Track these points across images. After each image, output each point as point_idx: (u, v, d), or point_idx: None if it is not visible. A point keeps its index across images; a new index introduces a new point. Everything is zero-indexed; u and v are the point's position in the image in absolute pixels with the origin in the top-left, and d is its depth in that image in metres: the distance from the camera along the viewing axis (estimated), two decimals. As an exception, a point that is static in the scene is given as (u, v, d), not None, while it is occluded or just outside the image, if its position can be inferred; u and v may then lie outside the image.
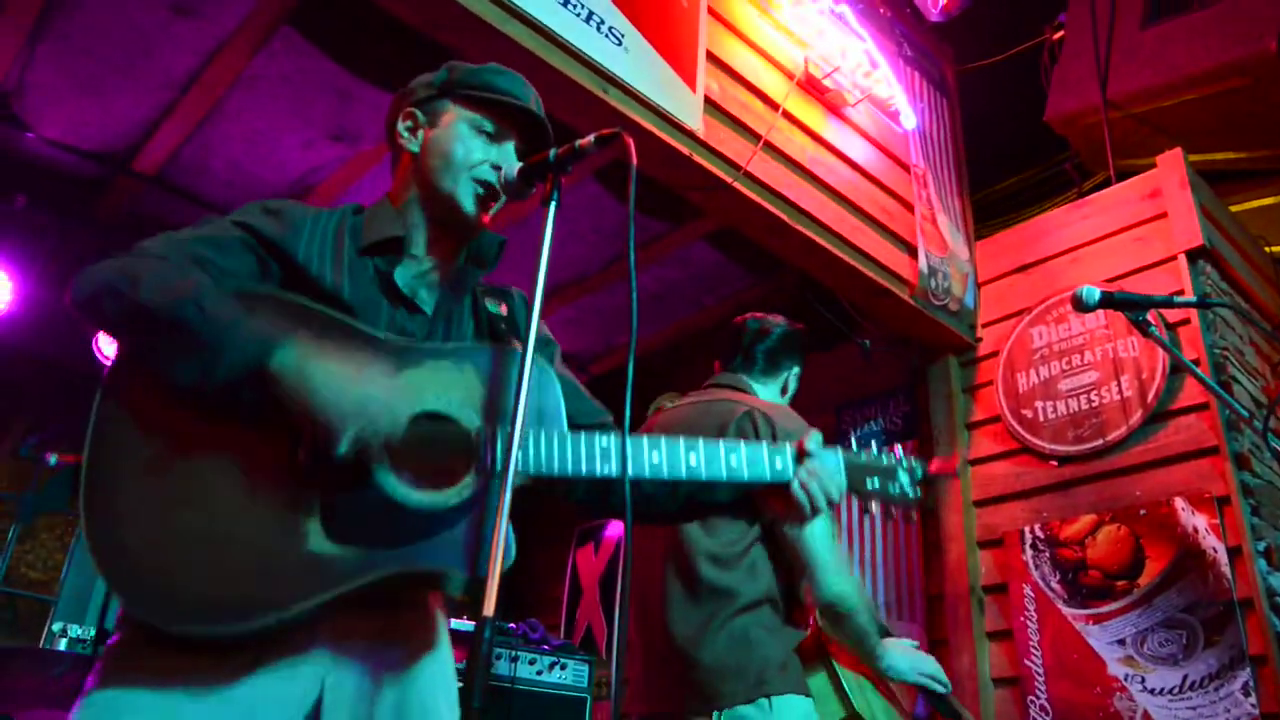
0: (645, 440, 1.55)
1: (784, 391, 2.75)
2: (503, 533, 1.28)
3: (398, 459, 1.38)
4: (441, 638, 1.54)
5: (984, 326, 4.39)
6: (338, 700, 1.36)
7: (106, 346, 4.70)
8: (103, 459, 1.31)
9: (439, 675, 1.50)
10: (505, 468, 1.32)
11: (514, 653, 4.28)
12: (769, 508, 1.67)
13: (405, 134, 1.70)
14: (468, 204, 1.63)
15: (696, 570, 2.28)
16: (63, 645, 3.73)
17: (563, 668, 4.45)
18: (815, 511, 1.62)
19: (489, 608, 1.27)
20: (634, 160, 1.50)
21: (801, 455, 1.62)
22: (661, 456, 1.54)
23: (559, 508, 1.76)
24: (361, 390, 1.32)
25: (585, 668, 4.53)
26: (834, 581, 2.23)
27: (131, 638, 1.32)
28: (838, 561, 2.26)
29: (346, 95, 3.82)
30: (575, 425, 1.58)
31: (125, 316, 1.34)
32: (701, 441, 1.58)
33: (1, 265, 4.35)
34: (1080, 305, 2.27)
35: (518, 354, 1.52)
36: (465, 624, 4.02)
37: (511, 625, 4.51)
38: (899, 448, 1.78)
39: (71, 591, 5.21)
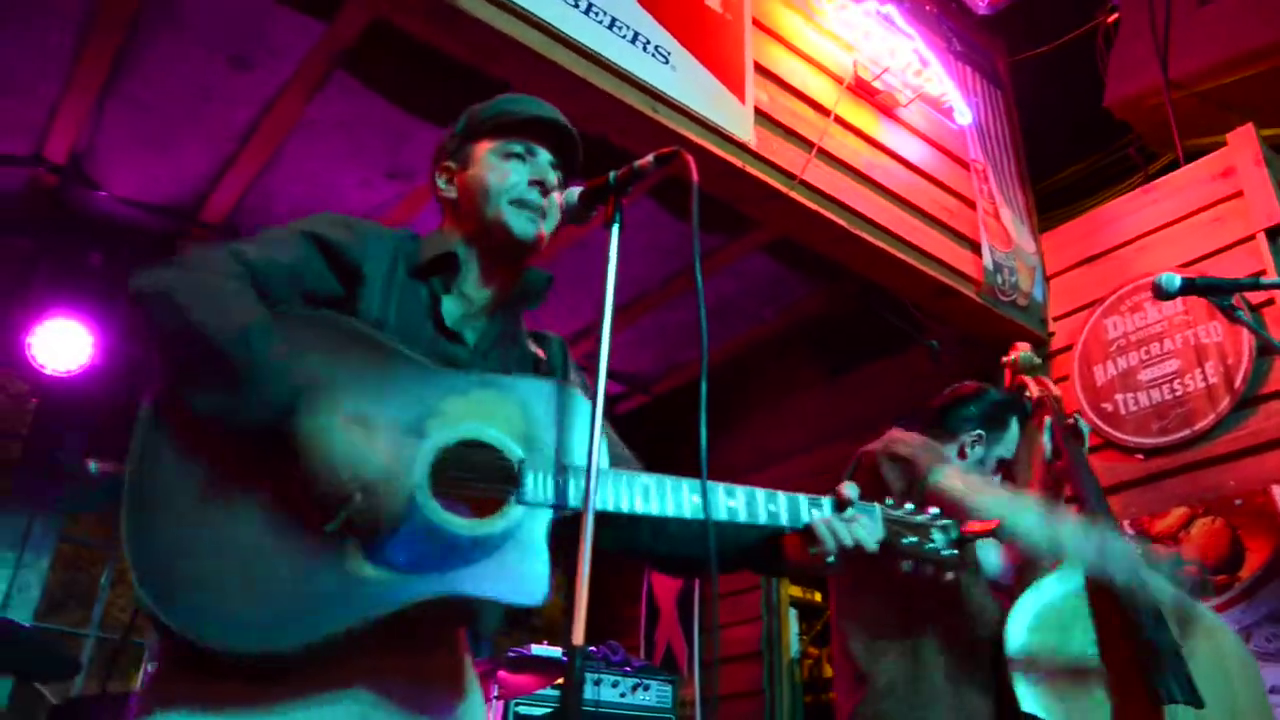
0: (685, 482, 1.55)
1: (961, 454, 2.68)
2: (586, 564, 1.28)
3: (439, 485, 1.37)
4: (472, 681, 1.55)
5: (1055, 320, 4.28)
6: None
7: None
8: (145, 471, 1.30)
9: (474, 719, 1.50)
10: (586, 503, 1.31)
11: (596, 676, 4.27)
12: (795, 561, 1.66)
13: (443, 185, 1.74)
14: (515, 223, 1.63)
15: None
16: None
17: (645, 689, 4.42)
18: (845, 557, 1.60)
19: (578, 636, 1.27)
20: (695, 177, 1.49)
21: (842, 505, 1.63)
22: (701, 500, 1.53)
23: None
24: (366, 474, 1.29)
25: (668, 688, 4.50)
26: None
27: (171, 666, 1.32)
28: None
29: (400, 134, 3.89)
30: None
31: (172, 329, 1.33)
32: (740, 488, 1.59)
33: (82, 320, 4.49)
34: (1161, 293, 2.20)
35: (567, 389, 1.53)
36: (546, 650, 4.02)
37: (592, 649, 4.50)
38: (935, 508, 1.77)
39: (163, 634, 5.33)
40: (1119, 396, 3.85)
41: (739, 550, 1.70)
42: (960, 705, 2.28)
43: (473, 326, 1.64)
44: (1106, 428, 3.84)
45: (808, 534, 1.59)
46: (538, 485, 1.42)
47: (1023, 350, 3.04)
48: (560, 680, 3.86)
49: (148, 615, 1.23)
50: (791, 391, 5.54)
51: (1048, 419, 2.86)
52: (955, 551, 1.72)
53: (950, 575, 1.70)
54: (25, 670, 3.59)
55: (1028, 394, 2.94)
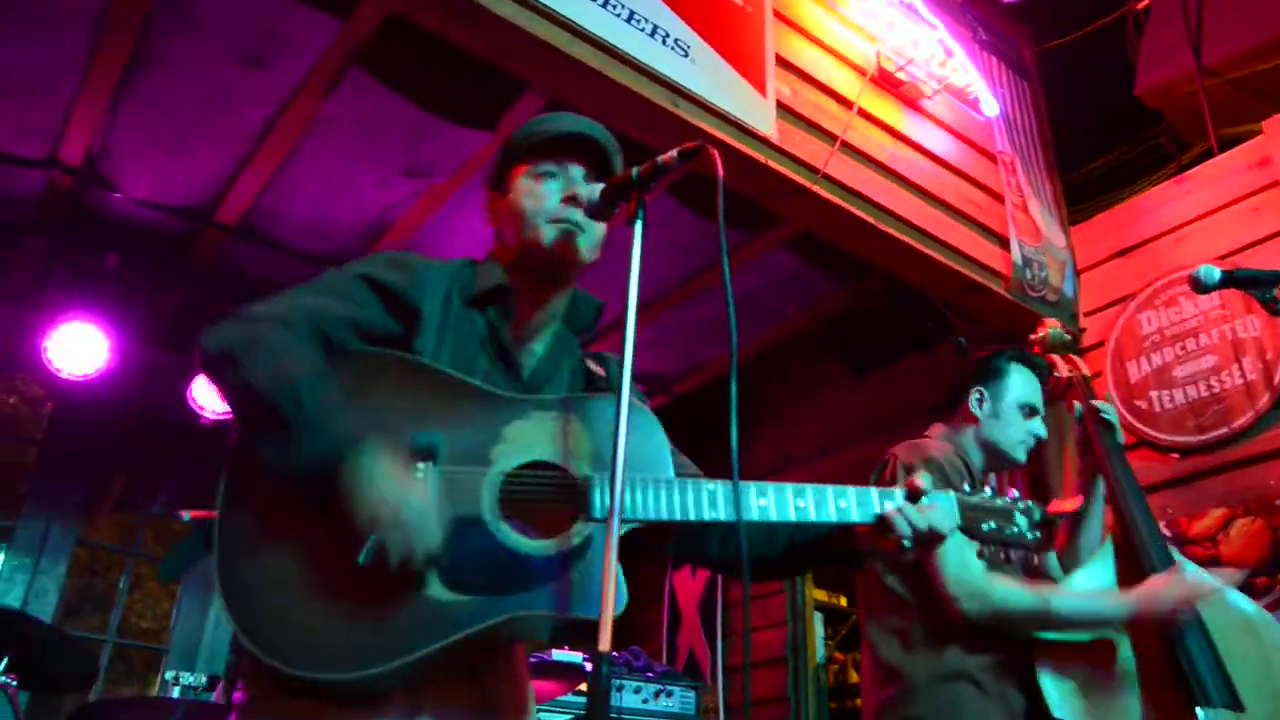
0: (753, 486, 1.57)
1: (960, 418, 2.70)
2: (613, 573, 1.31)
3: (509, 509, 1.45)
4: (531, 705, 1.62)
5: (1086, 315, 4.25)
6: None
7: (201, 398, 4.86)
8: (233, 514, 1.42)
9: None
10: (611, 511, 1.35)
11: (618, 682, 4.27)
12: (870, 552, 1.66)
13: (492, 215, 1.80)
14: (548, 239, 1.66)
15: None
16: (175, 693, 3.84)
17: (669, 695, 4.42)
18: (918, 547, 1.60)
19: (604, 643, 1.29)
20: (720, 173, 1.49)
21: (915, 496, 1.62)
22: (769, 500, 1.57)
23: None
24: (389, 512, 1.35)
25: (692, 694, 4.50)
26: (963, 593, 2.20)
27: (259, 691, 1.41)
28: (969, 572, 2.23)
29: (417, 131, 3.90)
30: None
31: (234, 387, 1.43)
32: (809, 486, 1.60)
33: (98, 323, 4.53)
34: (1199, 286, 2.17)
35: (632, 404, 1.55)
36: (567, 655, 4.03)
37: (614, 654, 4.50)
38: (1013, 490, 1.77)
39: (181, 639, 5.38)
40: (1154, 394, 3.82)
41: (807, 547, 1.72)
42: (992, 705, 2.27)
43: (529, 351, 1.70)
44: (1141, 426, 3.80)
45: (881, 524, 1.59)
46: (606, 501, 1.45)
47: (1052, 327, 2.99)
48: (582, 686, 3.86)
49: (239, 644, 1.36)
50: (815, 391, 5.52)
51: (1077, 404, 2.81)
52: (1039, 534, 1.70)
53: (1036, 560, 1.70)
54: (43, 673, 3.62)
55: (1056, 374, 2.90)
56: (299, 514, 1.41)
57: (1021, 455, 2.67)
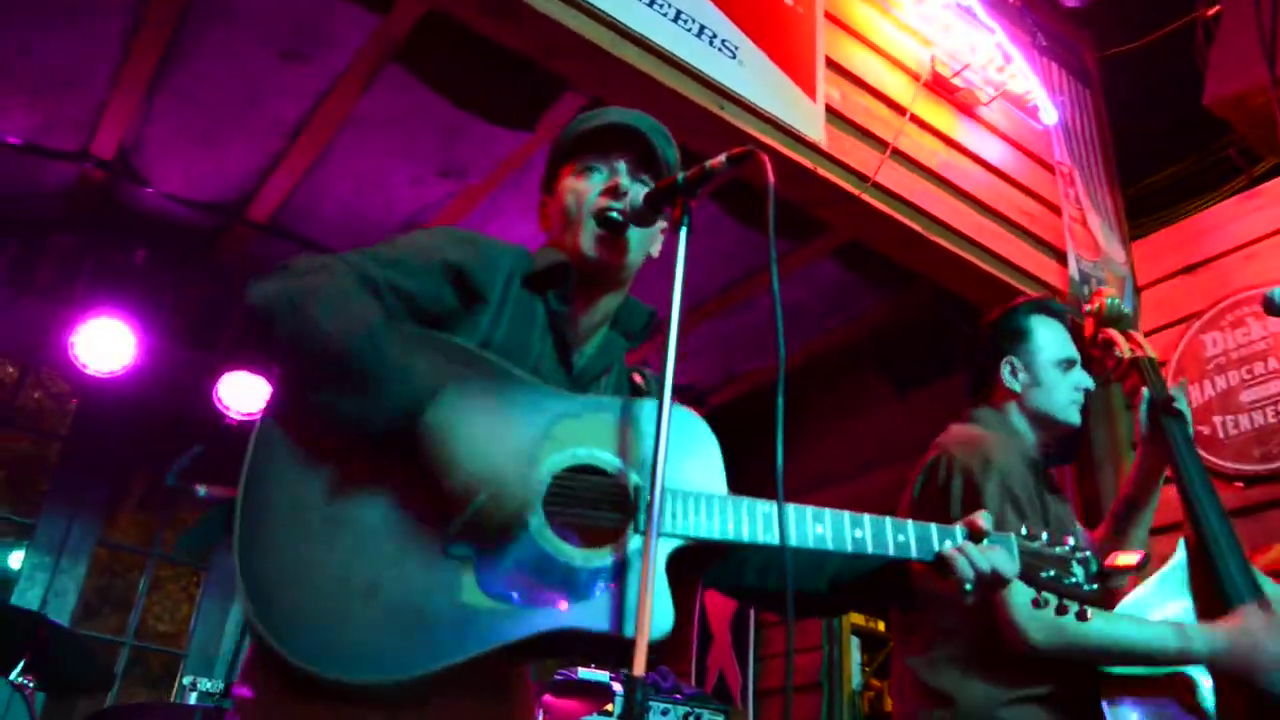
0: (809, 510, 1.54)
1: (999, 396, 2.51)
2: (651, 591, 1.28)
3: (553, 513, 1.40)
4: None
5: (1147, 335, 4.15)
6: None
7: (227, 397, 4.91)
8: (256, 497, 1.35)
9: None
10: (648, 528, 1.32)
11: (646, 703, 4.25)
12: (927, 592, 1.62)
13: (543, 218, 1.79)
14: (587, 244, 1.64)
15: None
16: (193, 699, 3.87)
17: (697, 718, 4.39)
18: (980, 590, 1.56)
19: (639, 666, 1.26)
20: (771, 180, 1.46)
21: (977, 536, 1.58)
22: (825, 528, 1.53)
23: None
24: (498, 465, 1.33)
25: (721, 718, 4.46)
26: (1033, 628, 2.13)
27: (269, 692, 1.34)
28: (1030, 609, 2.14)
29: (453, 130, 3.92)
30: None
31: (297, 337, 1.36)
32: (867, 517, 1.56)
33: (125, 320, 4.60)
34: (1272, 308, 2.12)
35: (686, 414, 1.55)
36: (594, 674, 4.01)
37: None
38: (1071, 538, 1.73)
39: (199, 644, 5.44)
40: (1217, 419, 3.74)
41: (856, 583, 1.68)
42: None
43: (579, 351, 1.68)
44: (1204, 453, 3.71)
45: (940, 564, 1.56)
46: (660, 512, 1.41)
47: (1109, 296, 2.78)
48: (608, 707, 3.84)
49: (258, 641, 1.27)
50: (856, 407, 5.47)
51: (1144, 390, 2.61)
52: (1096, 586, 1.67)
53: (1090, 614, 1.65)
54: (60, 676, 3.67)
55: (1116, 352, 2.71)
56: (336, 496, 1.35)
57: (1075, 416, 2.50)
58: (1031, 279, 3.87)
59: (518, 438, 1.40)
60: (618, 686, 4.00)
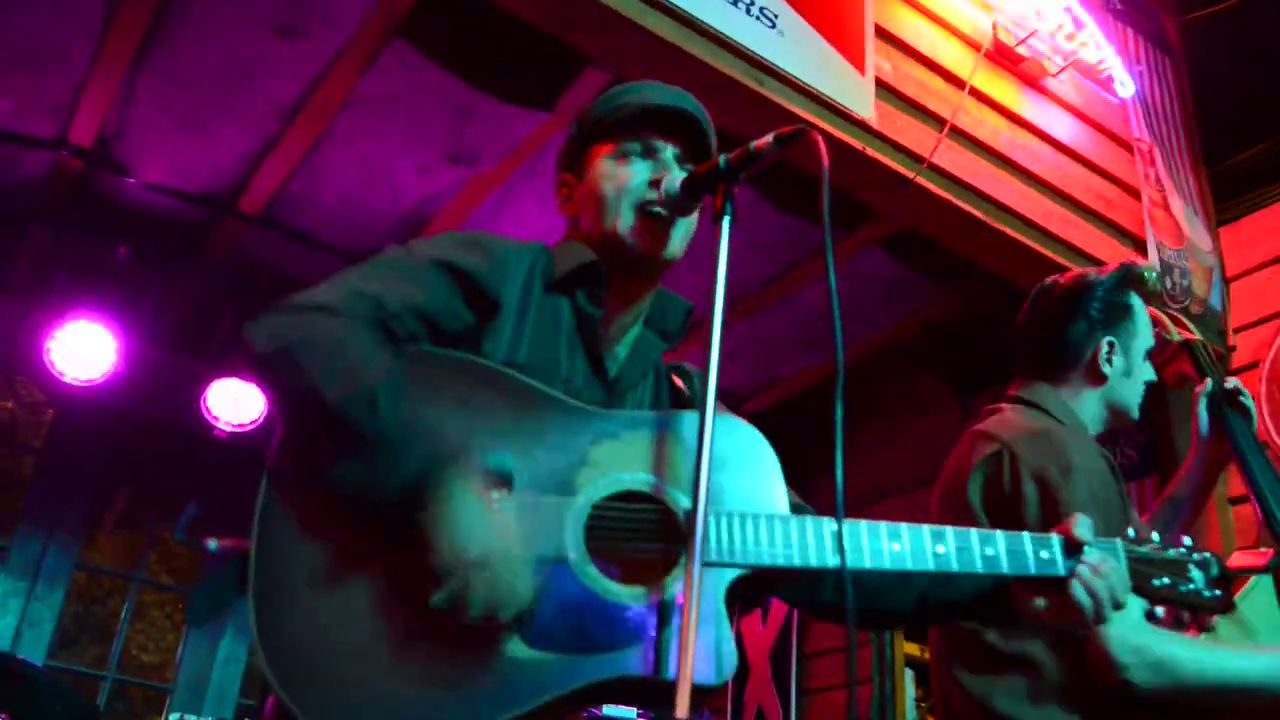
0: (884, 526, 1.51)
1: (1080, 378, 2.37)
2: (694, 628, 1.24)
3: (597, 548, 1.39)
4: None
5: (1236, 332, 4.14)
6: None
7: (216, 407, 4.95)
8: (271, 547, 1.35)
9: None
10: (690, 557, 1.29)
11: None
12: (1031, 610, 1.58)
13: (564, 201, 1.77)
14: (625, 231, 1.63)
15: None
16: (180, 738, 3.91)
17: (735, 759, 4.38)
18: (1098, 619, 1.53)
19: (682, 710, 1.24)
20: (825, 162, 1.45)
21: (1074, 548, 1.55)
22: (904, 545, 1.50)
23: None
24: (475, 550, 1.29)
25: (762, 759, 4.46)
26: (1133, 662, 2.02)
27: None
28: (1138, 636, 2.03)
29: (464, 111, 3.93)
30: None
31: (292, 393, 1.37)
32: (950, 530, 1.53)
33: (105, 323, 4.64)
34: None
35: (738, 425, 1.52)
36: (620, 710, 4.02)
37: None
38: (1186, 537, 1.69)
39: (187, 678, 5.47)
40: (1316, 425, 3.70)
41: (945, 605, 1.66)
42: None
43: (612, 354, 1.66)
44: (1296, 463, 3.69)
45: (1044, 583, 1.54)
46: (712, 539, 1.41)
47: (1145, 268, 2.58)
48: (639, 746, 3.85)
49: (281, 708, 1.27)
50: (910, 413, 5.44)
51: (1206, 379, 2.54)
52: (1219, 592, 1.63)
53: (1212, 623, 1.61)
54: (38, 716, 3.71)
55: (1166, 337, 2.63)
56: (356, 548, 1.35)
57: (1139, 413, 2.43)
58: (1107, 270, 3.84)
59: (529, 494, 1.39)
60: (644, 722, 4.01)
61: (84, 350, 4.65)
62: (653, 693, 1.38)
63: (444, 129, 4.06)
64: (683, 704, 1.23)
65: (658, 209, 1.62)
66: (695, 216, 1.70)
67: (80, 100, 4.02)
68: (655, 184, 1.63)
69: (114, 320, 4.66)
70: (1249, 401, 2.52)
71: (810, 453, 2.16)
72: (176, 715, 4.12)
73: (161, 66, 3.88)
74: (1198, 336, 2.67)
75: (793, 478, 1.56)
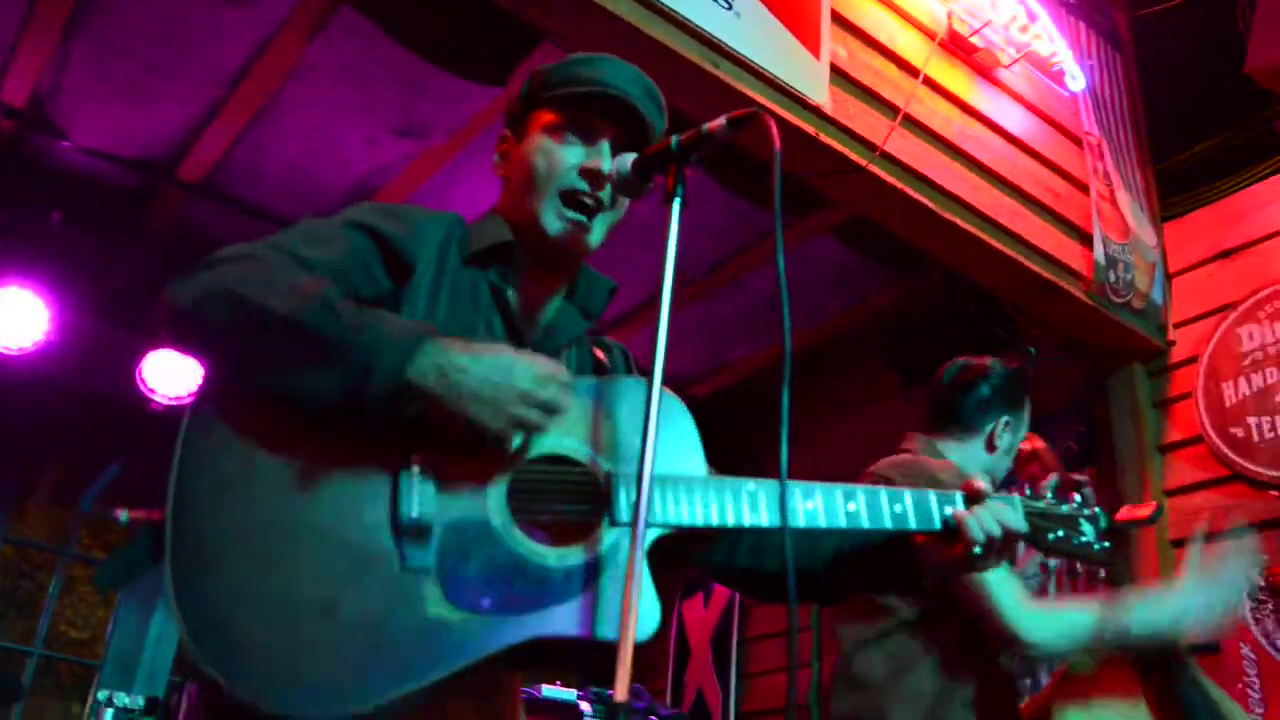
0: (798, 486, 1.55)
1: (990, 448, 2.62)
2: (636, 596, 1.28)
3: (520, 510, 1.40)
4: None
5: (1176, 327, 4.22)
6: None
7: (153, 379, 4.86)
8: (188, 514, 1.32)
9: None
10: (636, 518, 1.31)
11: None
12: (934, 564, 1.63)
13: (500, 159, 1.75)
14: (550, 223, 1.62)
15: None
16: (109, 716, 3.85)
17: (674, 742, 4.41)
18: (994, 554, 1.58)
19: (621, 691, 1.26)
20: (777, 146, 1.45)
21: (976, 499, 1.61)
22: (817, 504, 1.55)
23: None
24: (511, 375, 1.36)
25: (700, 742, 4.49)
26: (1029, 628, 2.17)
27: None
28: (1026, 604, 2.20)
29: (414, 84, 3.89)
30: None
31: (241, 327, 1.35)
32: (861, 488, 1.58)
33: (37, 291, 4.53)
34: None
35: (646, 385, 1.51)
36: (558, 691, 4.02)
37: (610, 693, 4.49)
38: (1078, 494, 1.76)
39: (117, 654, 5.38)
40: (1252, 420, 3.78)
41: (855, 560, 1.69)
42: None
43: (530, 326, 1.66)
44: (1236, 457, 3.77)
45: (946, 530, 1.59)
46: (633, 501, 1.40)
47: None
48: (578, 729, 3.86)
49: (202, 676, 1.24)
50: (857, 401, 5.49)
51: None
52: (1109, 544, 1.71)
53: (1103, 573, 1.70)
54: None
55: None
56: (274, 512, 1.33)
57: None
58: (1053, 261, 3.89)
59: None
60: (586, 706, 4.01)
61: (15, 318, 4.53)
62: (576, 652, 1.40)
63: (394, 101, 4.02)
64: (624, 671, 1.25)
65: (585, 200, 1.62)
66: (623, 209, 1.70)
67: (12, 60, 3.91)
68: (587, 173, 1.62)
69: (46, 289, 4.55)
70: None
71: (757, 437, 2.18)
72: (105, 693, 4.04)
73: (99, 30, 3.79)
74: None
75: (738, 462, 1.58)
